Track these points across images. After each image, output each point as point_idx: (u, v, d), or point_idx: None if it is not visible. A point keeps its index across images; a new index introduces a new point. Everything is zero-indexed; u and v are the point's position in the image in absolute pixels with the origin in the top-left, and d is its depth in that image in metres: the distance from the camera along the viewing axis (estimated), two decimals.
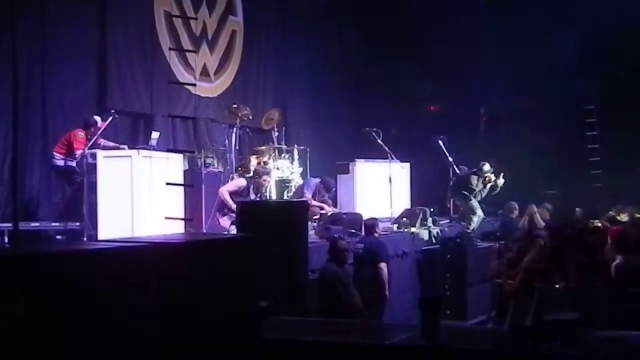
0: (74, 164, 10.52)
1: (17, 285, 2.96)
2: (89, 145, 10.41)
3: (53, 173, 10.92)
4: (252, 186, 11.02)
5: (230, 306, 4.19)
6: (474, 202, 13.55)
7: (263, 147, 12.95)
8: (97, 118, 10.81)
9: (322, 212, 12.04)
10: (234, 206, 10.37)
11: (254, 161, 12.32)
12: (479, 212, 13.53)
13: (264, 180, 11.23)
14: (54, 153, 10.66)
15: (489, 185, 13.57)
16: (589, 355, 4.65)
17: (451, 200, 14.47)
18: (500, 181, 13.65)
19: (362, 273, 9.86)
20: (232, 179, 11.81)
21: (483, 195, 13.66)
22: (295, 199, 12.13)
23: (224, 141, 12.81)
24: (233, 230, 10.43)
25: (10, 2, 8.31)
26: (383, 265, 9.95)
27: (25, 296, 2.96)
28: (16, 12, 8.68)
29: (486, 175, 13.46)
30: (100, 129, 10.68)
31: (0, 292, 2.93)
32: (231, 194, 10.80)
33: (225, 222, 10.79)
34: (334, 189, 13.05)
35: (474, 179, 13.54)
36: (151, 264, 3.67)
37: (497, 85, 16.57)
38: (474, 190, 13.48)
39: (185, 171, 11.72)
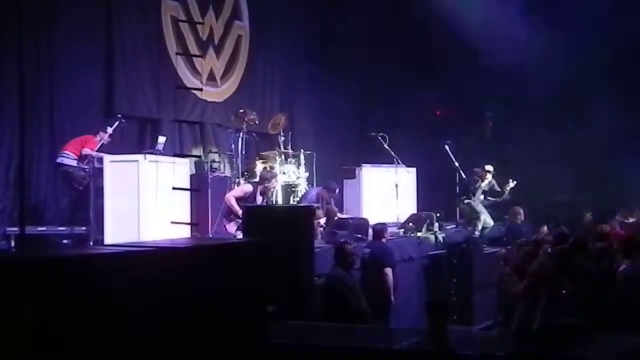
0: (85, 166, 10.51)
1: (24, 288, 2.97)
2: (96, 149, 10.45)
3: (60, 174, 10.84)
4: (258, 191, 11.01)
5: (237, 311, 4.18)
6: (478, 206, 13.66)
7: (269, 152, 12.93)
8: (108, 129, 10.88)
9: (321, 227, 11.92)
10: (240, 212, 10.38)
11: (259, 166, 12.31)
12: (483, 216, 13.63)
13: (271, 185, 11.24)
14: (66, 152, 10.61)
15: (484, 183, 13.72)
16: None
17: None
18: (511, 185, 13.89)
19: (368, 278, 9.87)
20: (238, 184, 11.81)
21: (481, 197, 13.79)
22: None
23: (231, 146, 12.83)
24: (239, 236, 10.42)
25: (18, 7, 8.35)
26: (388, 270, 9.95)
27: (32, 299, 2.96)
28: (24, 17, 8.70)
29: (487, 174, 13.71)
30: (107, 135, 10.70)
31: (8, 295, 2.94)
32: (237, 199, 10.79)
33: (231, 227, 10.78)
34: (337, 189, 13.00)
35: (476, 180, 13.76)
36: (157, 268, 3.67)
37: (503, 90, 16.54)
38: (474, 190, 13.63)
39: (191, 176, 11.73)
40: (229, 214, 10.85)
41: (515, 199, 14.80)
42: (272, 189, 11.48)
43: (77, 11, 11.41)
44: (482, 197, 14.04)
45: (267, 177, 11.19)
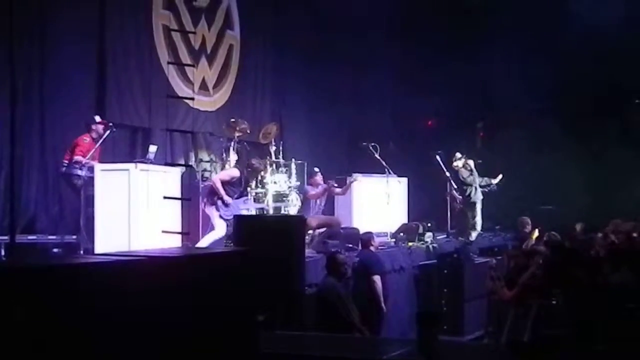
0: (78, 171, 10.37)
1: (13, 297, 2.95)
2: (91, 152, 10.30)
3: (63, 182, 10.75)
4: (244, 177, 11.14)
5: (228, 320, 4.17)
6: (478, 205, 13.78)
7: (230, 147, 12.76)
8: (97, 117, 10.78)
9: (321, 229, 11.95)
10: (225, 197, 10.62)
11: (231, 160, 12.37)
12: (479, 227, 13.69)
13: (256, 172, 11.63)
14: (64, 160, 10.56)
15: (463, 163, 13.84)
16: None
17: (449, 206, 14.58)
18: (496, 180, 14.06)
19: (358, 287, 9.89)
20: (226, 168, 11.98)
21: (474, 181, 13.91)
22: (304, 209, 12.21)
23: (222, 155, 12.82)
24: (216, 219, 10.68)
25: (9, 14, 8.33)
26: (376, 277, 9.98)
27: (21, 308, 2.95)
28: (15, 25, 8.68)
29: (459, 161, 13.87)
30: (102, 129, 10.59)
31: None
32: (223, 183, 10.85)
33: (210, 210, 10.84)
34: (316, 168, 13.05)
35: (461, 172, 13.91)
36: (148, 277, 3.66)
37: (495, 100, 16.60)
38: (468, 174, 13.79)
39: (182, 185, 11.70)
40: (211, 196, 10.89)
41: (506, 207, 14.86)
42: (257, 175, 11.87)
43: (68, 20, 11.39)
44: (475, 169, 14.12)
45: (256, 167, 11.43)
